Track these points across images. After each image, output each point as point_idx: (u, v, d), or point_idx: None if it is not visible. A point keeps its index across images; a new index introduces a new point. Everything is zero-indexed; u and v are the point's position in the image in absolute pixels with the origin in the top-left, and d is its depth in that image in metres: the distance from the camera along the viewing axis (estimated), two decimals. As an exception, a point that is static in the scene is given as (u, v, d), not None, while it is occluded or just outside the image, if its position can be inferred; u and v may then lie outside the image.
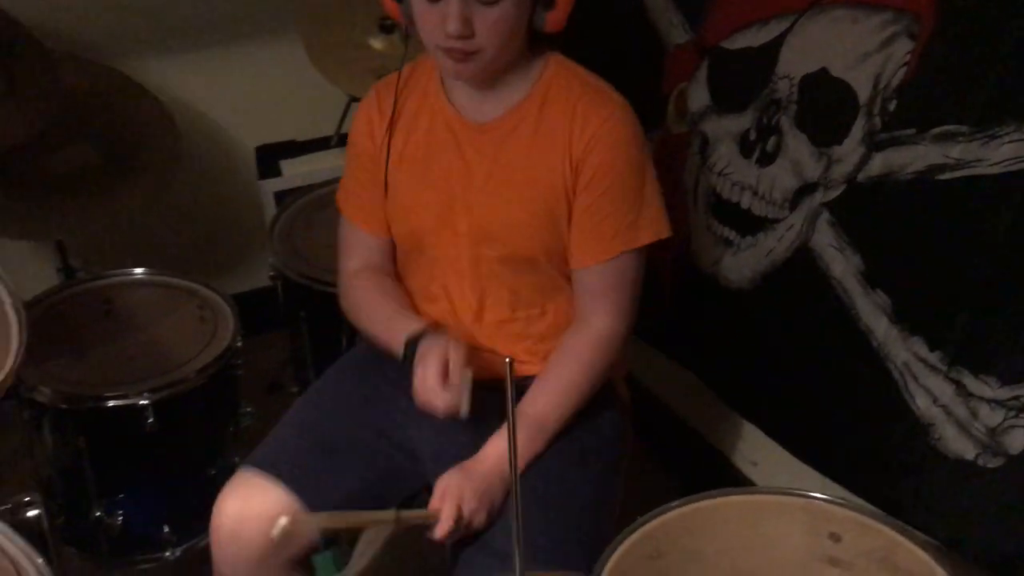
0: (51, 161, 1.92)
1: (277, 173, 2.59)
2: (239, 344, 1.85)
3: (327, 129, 2.52)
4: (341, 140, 2.50)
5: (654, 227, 1.38)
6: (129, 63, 2.20)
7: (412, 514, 1.28)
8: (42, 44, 1.83)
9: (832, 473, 1.54)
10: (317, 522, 1.28)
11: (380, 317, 1.47)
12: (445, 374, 1.31)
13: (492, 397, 1.45)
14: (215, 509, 1.40)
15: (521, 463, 1.36)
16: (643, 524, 1.33)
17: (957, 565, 1.23)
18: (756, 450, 1.85)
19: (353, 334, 1.90)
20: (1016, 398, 1.26)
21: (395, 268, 1.55)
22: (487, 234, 1.40)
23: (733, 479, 1.85)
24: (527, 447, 1.36)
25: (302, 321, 2.04)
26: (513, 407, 0.83)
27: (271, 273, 2.06)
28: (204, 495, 1.88)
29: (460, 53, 1.27)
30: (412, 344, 1.37)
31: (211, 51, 2.37)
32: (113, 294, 1.97)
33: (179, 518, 1.85)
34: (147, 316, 1.94)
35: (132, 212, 1.97)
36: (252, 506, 1.36)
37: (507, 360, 0.80)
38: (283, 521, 1.16)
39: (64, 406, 1.71)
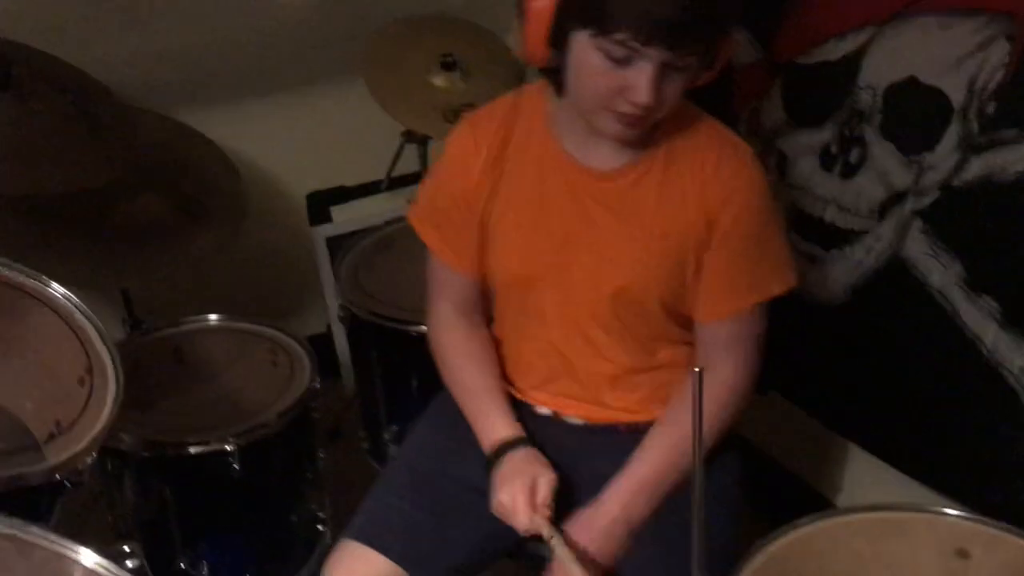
0: (121, 211, 1.91)
1: (328, 219, 2.60)
2: (317, 386, 1.82)
3: (376, 173, 2.53)
4: (392, 184, 2.51)
5: (784, 277, 1.35)
6: (185, 113, 2.22)
7: None
8: (118, 96, 1.84)
9: (951, 491, 1.50)
10: None
11: (471, 395, 1.46)
12: (532, 497, 1.30)
13: (597, 441, 1.43)
14: None
15: (635, 519, 1.34)
16: (766, 545, 1.29)
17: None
18: (853, 475, 1.81)
19: (425, 374, 1.90)
20: None
21: (488, 308, 1.52)
22: (607, 284, 1.35)
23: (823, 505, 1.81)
24: (639, 506, 1.34)
25: (373, 362, 2.01)
26: (698, 415, 0.79)
27: (340, 314, 2.05)
28: (286, 542, 1.87)
29: (636, 119, 1.22)
30: (498, 453, 1.37)
31: (263, 100, 2.38)
32: (183, 342, 1.95)
33: (263, 566, 1.82)
34: (219, 363, 1.92)
35: (199, 262, 1.95)
36: None
37: (696, 370, 0.77)
38: None
39: (147, 454, 1.68)
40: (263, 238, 2.54)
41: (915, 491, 1.57)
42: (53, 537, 1.15)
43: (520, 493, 1.30)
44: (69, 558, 1.11)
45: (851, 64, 1.54)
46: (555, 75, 1.27)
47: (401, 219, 2.53)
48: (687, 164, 1.31)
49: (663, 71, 1.16)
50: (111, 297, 2.15)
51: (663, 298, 1.36)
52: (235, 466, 1.68)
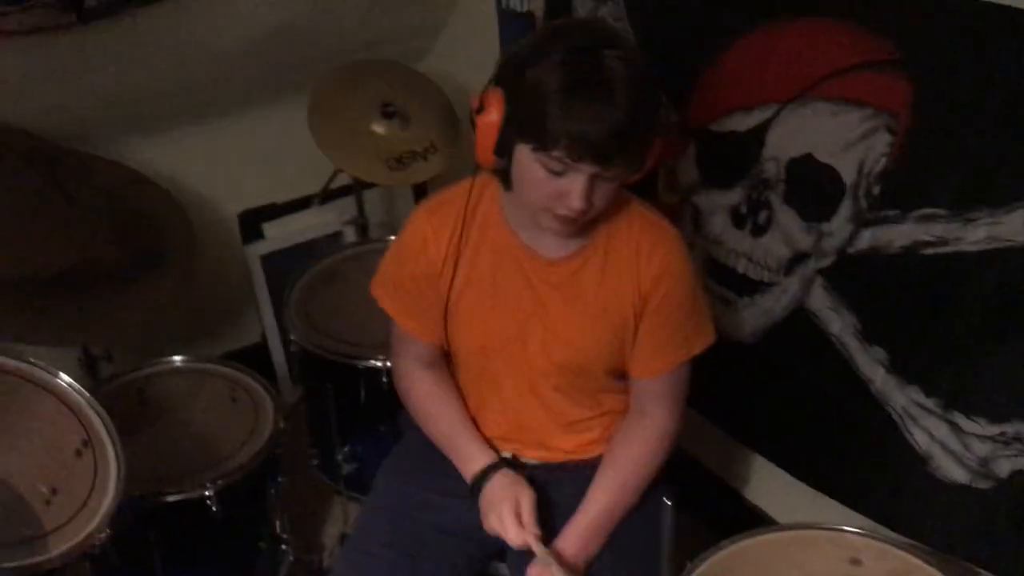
0: (79, 267, 1.97)
1: (260, 236, 2.70)
2: (282, 426, 1.97)
3: (307, 189, 2.62)
4: (325, 199, 2.61)
5: (706, 337, 1.58)
6: (120, 146, 2.26)
7: None
8: (77, 150, 1.90)
9: (845, 500, 1.76)
10: None
11: (444, 432, 1.64)
12: (518, 516, 1.49)
13: (553, 477, 1.63)
14: None
15: (592, 552, 1.55)
16: (696, 568, 1.54)
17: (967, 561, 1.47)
18: (773, 487, 2.07)
19: (373, 401, 2.07)
20: (1002, 434, 1.50)
21: (447, 366, 1.69)
22: (560, 354, 1.55)
23: (756, 516, 2.07)
24: (595, 541, 1.55)
25: (325, 391, 2.16)
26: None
27: (292, 349, 2.18)
28: (257, 565, 2.03)
29: (570, 220, 1.40)
30: (480, 480, 1.56)
31: (198, 127, 2.43)
32: (145, 385, 2.06)
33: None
34: (181, 403, 2.04)
35: (163, 305, 2.04)
36: None
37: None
38: None
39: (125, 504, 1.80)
40: (196, 259, 2.62)
41: (821, 500, 1.83)
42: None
43: (508, 515, 1.49)
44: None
45: (757, 136, 1.74)
46: (503, 175, 1.45)
47: (337, 241, 2.66)
48: (623, 250, 1.52)
49: (593, 181, 1.35)
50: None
51: (606, 363, 1.57)
52: (212, 508, 1.82)
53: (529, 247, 1.52)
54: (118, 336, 1.97)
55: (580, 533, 1.53)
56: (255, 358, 2.53)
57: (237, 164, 2.56)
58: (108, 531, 1.45)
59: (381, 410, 2.08)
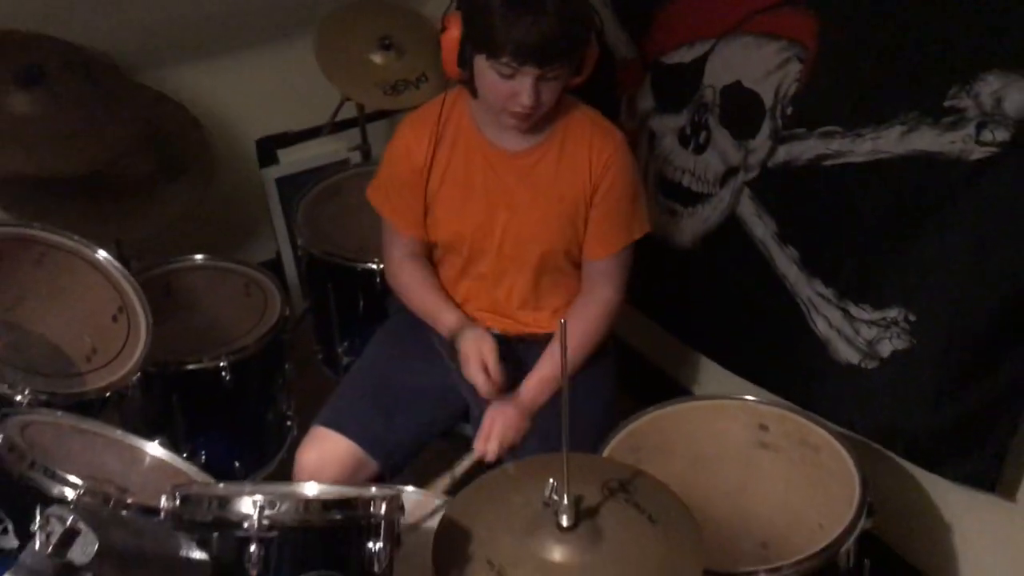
0: (115, 173, 2.28)
1: (275, 161, 2.99)
2: (288, 313, 2.28)
3: (317, 119, 2.90)
4: (333, 128, 2.89)
5: (644, 225, 1.87)
6: (151, 76, 2.54)
7: (467, 465, 1.76)
8: (117, 68, 2.19)
9: (759, 381, 2.05)
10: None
11: (426, 305, 1.93)
12: (484, 365, 1.78)
13: (519, 348, 1.93)
14: (296, 458, 1.85)
15: (542, 400, 1.84)
16: (626, 426, 1.84)
17: (850, 440, 1.76)
18: (699, 371, 2.37)
19: (368, 301, 2.36)
20: (884, 318, 1.78)
21: (430, 256, 1.97)
22: (524, 235, 1.84)
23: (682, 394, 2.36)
24: (546, 391, 1.84)
25: (328, 291, 2.46)
26: (564, 351, 1.25)
27: (299, 253, 2.48)
28: (263, 436, 2.35)
29: (524, 116, 1.69)
30: (454, 336, 1.84)
31: (220, 59, 2.70)
32: (170, 278, 2.38)
33: (245, 455, 2.29)
34: (201, 295, 2.35)
35: (185, 209, 2.35)
36: (326, 456, 1.81)
37: (561, 321, 1.24)
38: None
39: (153, 370, 2.11)
40: (218, 180, 2.92)
41: (736, 381, 2.13)
42: (120, 433, 1.62)
43: (477, 371, 1.78)
44: (140, 448, 1.58)
45: (698, 67, 2.01)
46: (469, 84, 1.74)
47: (343, 164, 2.95)
48: (576, 145, 1.80)
49: (538, 81, 1.64)
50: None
51: (563, 245, 1.86)
52: (226, 378, 2.14)
53: (494, 143, 1.81)
54: (146, 232, 2.26)
55: (534, 384, 1.83)
56: (270, 270, 2.82)
57: (255, 95, 2.83)
58: (139, 374, 1.76)
59: (375, 309, 2.37)
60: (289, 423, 2.40)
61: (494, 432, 1.76)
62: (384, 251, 2.00)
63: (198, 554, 1.11)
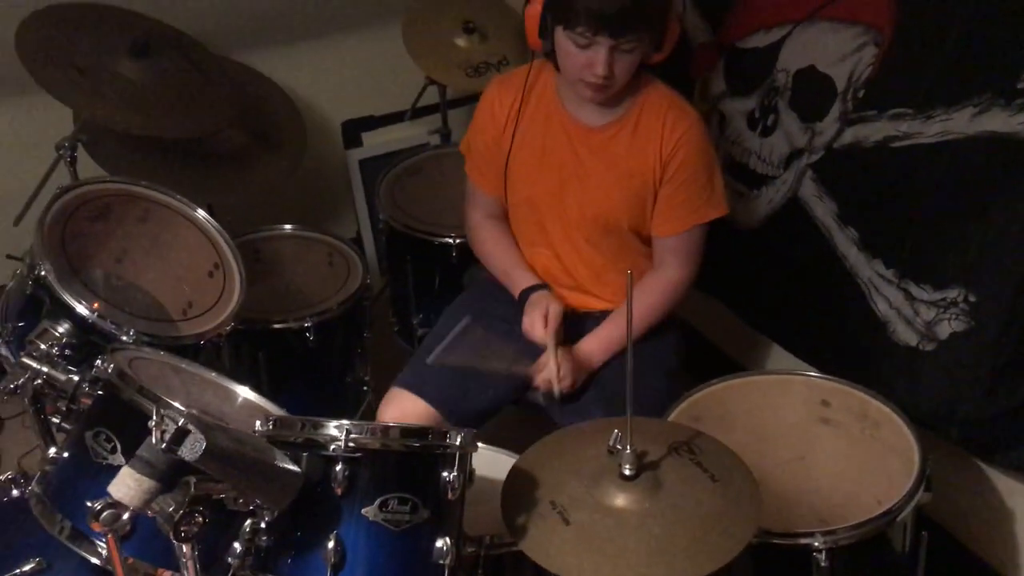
0: (210, 142, 2.43)
1: (359, 144, 3.12)
2: (369, 282, 2.40)
3: (400, 105, 3.01)
4: (415, 114, 3.01)
5: (718, 207, 1.91)
6: (246, 55, 2.67)
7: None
8: (209, 49, 2.34)
9: (818, 362, 2.10)
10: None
11: (502, 265, 2.03)
12: (545, 319, 1.87)
13: (582, 322, 2.00)
14: (377, 416, 1.95)
15: (599, 359, 1.92)
16: (688, 397, 1.89)
17: (909, 416, 1.79)
18: (759, 352, 2.42)
19: (445, 275, 2.46)
20: (944, 299, 1.82)
21: (508, 218, 2.07)
22: (591, 209, 1.91)
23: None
24: (605, 350, 1.92)
25: (407, 264, 2.57)
26: (630, 302, 1.31)
27: (380, 226, 2.60)
28: (342, 398, 2.46)
29: (599, 87, 1.76)
30: (525, 294, 1.94)
31: (309, 44, 2.83)
32: (260, 244, 2.51)
33: (323, 414, 2.37)
34: (287, 261, 2.48)
35: (275, 181, 2.49)
36: (404, 417, 1.91)
37: (628, 272, 1.30)
38: None
39: (242, 328, 2.23)
40: (306, 158, 3.05)
41: (796, 362, 2.18)
42: (215, 375, 1.75)
43: (538, 318, 1.87)
44: (233, 390, 1.70)
45: (773, 51, 2.07)
46: (551, 56, 1.82)
47: (423, 147, 3.06)
48: (650, 123, 1.86)
49: (613, 53, 1.72)
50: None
51: (630, 220, 1.93)
52: (309, 338, 2.26)
53: (573, 116, 1.89)
54: (236, 200, 2.40)
55: (594, 342, 1.92)
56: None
57: (342, 79, 2.96)
58: (231, 325, 1.89)
59: (451, 283, 2.47)
60: (366, 388, 2.52)
61: (550, 366, 1.83)
62: (466, 212, 2.11)
63: (292, 465, 1.22)
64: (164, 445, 1.05)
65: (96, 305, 1.72)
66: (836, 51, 1.93)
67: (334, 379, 2.43)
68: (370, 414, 2.39)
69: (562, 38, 1.74)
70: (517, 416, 2.12)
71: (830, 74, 1.95)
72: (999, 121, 1.65)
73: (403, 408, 1.93)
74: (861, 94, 1.89)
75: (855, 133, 1.91)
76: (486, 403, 2.00)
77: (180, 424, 1.06)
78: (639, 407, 1.33)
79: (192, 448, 1.05)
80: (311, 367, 2.35)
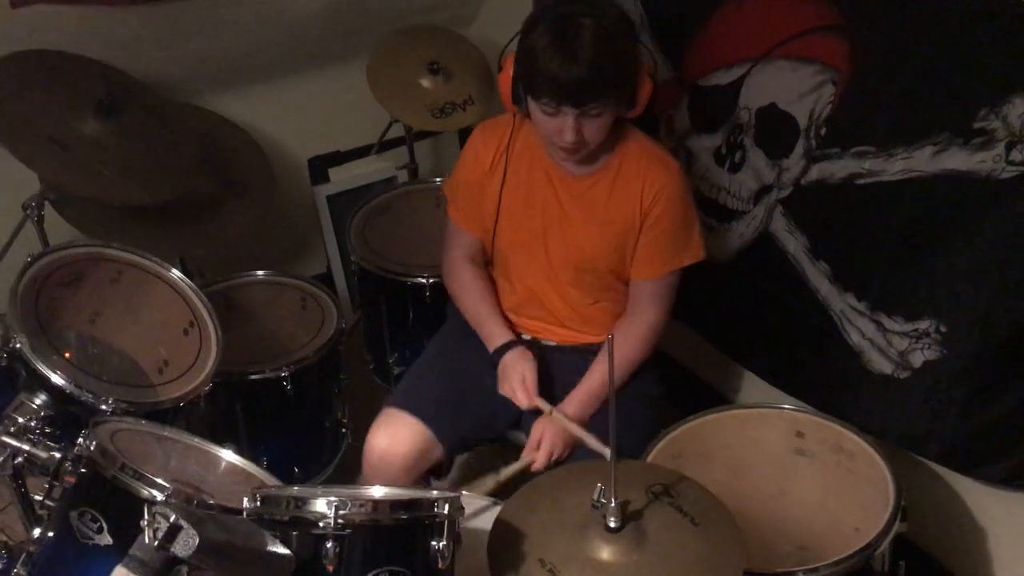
0: (180, 193, 2.40)
1: (326, 179, 3.12)
2: (344, 326, 2.40)
3: (366, 139, 3.02)
4: (382, 148, 3.01)
5: (694, 253, 1.96)
6: (208, 99, 2.66)
7: (514, 471, 1.87)
8: (173, 95, 2.32)
9: (794, 391, 2.13)
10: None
11: (475, 313, 2.05)
12: (524, 384, 1.90)
13: (565, 357, 2.03)
14: (368, 436, 1.96)
15: (588, 414, 1.94)
16: (666, 435, 1.92)
17: (884, 445, 1.83)
18: (738, 381, 2.46)
19: (418, 313, 2.47)
20: (916, 330, 1.85)
21: (487, 261, 2.09)
22: (574, 254, 1.95)
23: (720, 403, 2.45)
24: (591, 405, 1.94)
25: (379, 304, 2.58)
26: (612, 363, 1.36)
27: (352, 268, 2.60)
28: (321, 442, 2.46)
29: (571, 150, 1.80)
30: (496, 356, 1.96)
31: (275, 84, 2.83)
32: (231, 292, 2.50)
33: (305, 459, 2.42)
34: (260, 308, 2.48)
35: (246, 227, 2.48)
36: (397, 435, 1.93)
37: (609, 336, 1.35)
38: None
39: (218, 380, 2.22)
40: (274, 198, 3.04)
41: (777, 391, 2.21)
42: (197, 440, 1.74)
43: (517, 385, 1.91)
44: (216, 454, 1.70)
45: (734, 89, 2.10)
46: (527, 118, 1.85)
47: (391, 181, 3.07)
48: (630, 173, 1.90)
49: (580, 119, 1.75)
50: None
51: (610, 266, 1.96)
52: (288, 387, 2.26)
53: (556, 164, 1.93)
54: (208, 250, 2.39)
55: (580, 398, 1.94)
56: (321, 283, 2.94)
57: (307, 116, 2.96)
58: (210, 385, 1.88)
59: (425, 321, 2.48)
60: (344, 430, 2.52)
61: (544, 442, 1.86)
62: (444, 252, 2.12)
63: (282, 548, 1.22)
64: (157, 543, 1.05)
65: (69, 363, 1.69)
66: (795, 89, 1.97)
67: (313, 424, 2.44)
68: (352, 454, 2.41)
69: (532, 105, 1.78)
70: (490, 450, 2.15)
71: (791, 112, 1.99)
72: (959, 160, 1.69)
73: (396, 429, 1.95)
74: (824, 132, 1.93)
75: (821, 170, 1.94)
76: (475, 428, 2.03)
77: (172, 521, 1.06)
78: (624, 440, 1.37)
79: (185, 544, 1.06)
80: (290, 415, 2.35)
